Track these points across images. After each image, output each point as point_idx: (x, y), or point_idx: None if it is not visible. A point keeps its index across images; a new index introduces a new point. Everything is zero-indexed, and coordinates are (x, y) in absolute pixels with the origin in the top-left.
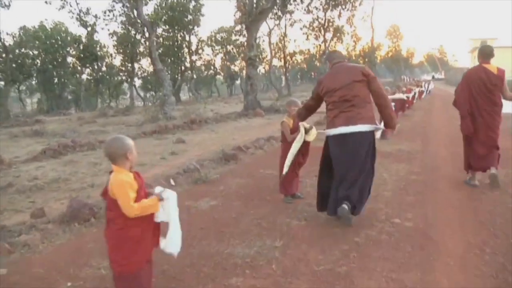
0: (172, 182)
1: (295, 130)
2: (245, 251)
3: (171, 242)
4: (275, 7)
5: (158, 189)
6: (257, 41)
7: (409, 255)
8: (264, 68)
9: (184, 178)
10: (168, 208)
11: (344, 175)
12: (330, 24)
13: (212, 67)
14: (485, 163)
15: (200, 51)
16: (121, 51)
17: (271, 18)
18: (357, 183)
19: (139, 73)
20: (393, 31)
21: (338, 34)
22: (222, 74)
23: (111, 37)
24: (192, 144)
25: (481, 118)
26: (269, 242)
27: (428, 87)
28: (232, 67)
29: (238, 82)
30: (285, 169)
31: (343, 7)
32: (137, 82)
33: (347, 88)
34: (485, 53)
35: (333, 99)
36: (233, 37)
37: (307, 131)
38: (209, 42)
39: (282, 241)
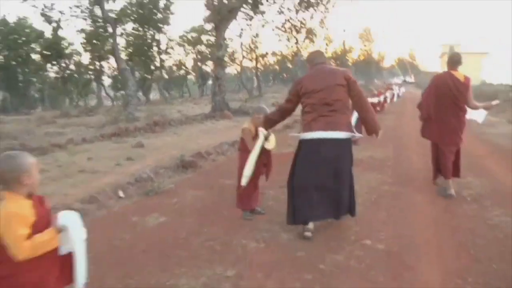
0: (121, 194)
1: (256, 138)
2: (191, 283)
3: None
4: (247, 7)
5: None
6: (226, 40)
7: (381, 287)
8: (236, 69)
9: (135, 189)
10: (70, 239)
11: (322, 183)
12: (302, 25)
13: (183, 67)
14: (451, 168)
15: (170, 50)
16: (88, 49)
17: (243, 18)
18: (344, 192)
19: (108, 71)
20: (365, 34)
21: (311, 36)
22: (193, 74)
23: (79, 34)
24: (151, 149)
25: (448, 122)
26: (220, 270)
27: (399, 90)
28: (204, 67)
29: (210, 82)
30: (244, 181)
31: (315, 8)
32: (108, 81)
33: (329, 91)
34: (454, 60)
35: (312, 101)
36: (204, 37)
37: (266, 137)
38: (181, 42)
39: (235, 269)
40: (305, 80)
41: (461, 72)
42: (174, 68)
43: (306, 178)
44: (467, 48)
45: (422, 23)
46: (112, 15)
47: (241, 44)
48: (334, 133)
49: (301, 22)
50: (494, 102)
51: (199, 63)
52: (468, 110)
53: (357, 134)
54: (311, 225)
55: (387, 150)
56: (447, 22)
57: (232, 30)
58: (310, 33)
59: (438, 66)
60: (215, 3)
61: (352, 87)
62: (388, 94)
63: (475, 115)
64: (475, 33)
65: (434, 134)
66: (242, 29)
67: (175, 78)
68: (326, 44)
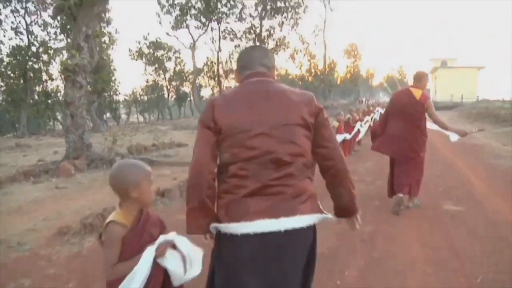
0: None
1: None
2: None
3: None
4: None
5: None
6: (90, 42)
7: None
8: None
9: None
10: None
11: None
12: (269, 35)
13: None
14: (403, 185)
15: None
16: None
17: (196, 28)
18: None
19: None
20: (351, 50)
21: (280, 47)
22: (169, 94)
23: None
24: None
25: (404, 140)
26: None
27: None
28: (181, 87)
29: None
30: None
31: (284, 15)
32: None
33: (281, 137)
34: (415, 77)
35: (248, 154)
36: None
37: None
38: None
39: None
40: (229, 108)
41: (419, 90)
42: (149, 90)
43: None
44: (461, 63)
45: (412, 37)
46: None
47: (193, 57)
48: (294, 219)
49: (268, 31)
50: (474, 130)
51: (172, 83)
52: (435, 126)
53: (328, 215)
54: None
55: None
56: (438, 36)
57: (183, 43)
58: (281, 44)
59: (430, 82)
60: None
61: (323, 125)
62: (361, 128)
63: (447, 132)
64: (469, 47)
65: (387, 147)
66: (194, 39)
67: (153, 100)
68: (309, 60)
